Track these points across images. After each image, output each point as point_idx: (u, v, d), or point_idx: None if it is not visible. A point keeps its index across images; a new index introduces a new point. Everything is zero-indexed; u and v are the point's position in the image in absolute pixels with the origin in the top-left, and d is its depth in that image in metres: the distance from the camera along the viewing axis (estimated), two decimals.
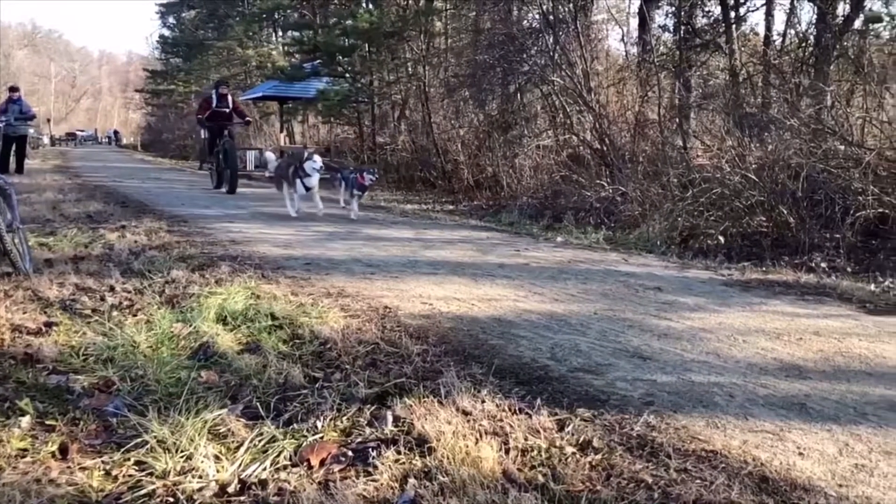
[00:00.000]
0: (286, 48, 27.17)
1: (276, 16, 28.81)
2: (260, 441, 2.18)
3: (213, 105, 12.46)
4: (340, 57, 16.56)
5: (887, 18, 6.72)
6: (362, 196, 8.74)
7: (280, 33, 31.59)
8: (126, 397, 2.51)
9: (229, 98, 12.66)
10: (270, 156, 8.87)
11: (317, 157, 8.19)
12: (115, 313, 3.56)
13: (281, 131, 22.75)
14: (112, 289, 4.15)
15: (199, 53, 34.10)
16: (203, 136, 24.85)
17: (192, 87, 35.65)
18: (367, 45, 16.19)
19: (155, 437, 2.13)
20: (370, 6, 17.72)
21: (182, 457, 2.05)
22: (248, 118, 13.33)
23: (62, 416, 2.33)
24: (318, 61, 17.60)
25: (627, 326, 3.64)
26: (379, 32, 15.09)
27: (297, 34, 24.42)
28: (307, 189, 8.18)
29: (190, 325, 3.33)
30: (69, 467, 2.01)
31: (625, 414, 2.43)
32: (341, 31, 16.88)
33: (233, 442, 2.20)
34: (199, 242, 6.08)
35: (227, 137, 12.16)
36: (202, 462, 2.02)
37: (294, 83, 18.71)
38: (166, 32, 41.22)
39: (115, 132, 60.65)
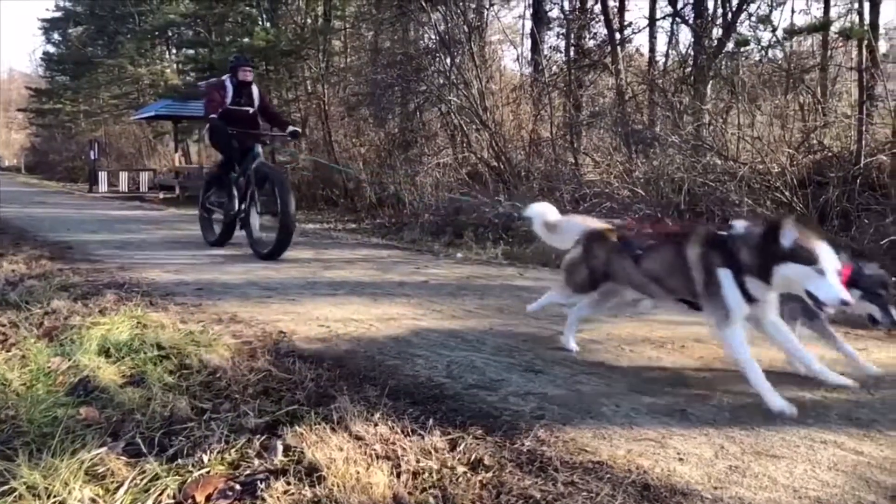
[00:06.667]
0: (180, 66, 26.43)
1: (170, 33, 27.98)
2: (142, 480, 2.08)
3: (228, 100, 7.34)
4: None
5: (754, 42, 7.26)
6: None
7: (174, 51, 30.67)
8: None
9: (255, 90, 7.57)
10: (543, 211, 3.71)
11: (829, 257, 2.60)
12: None
13: (176, 151, 22.02)
14: None
15: (87, 71, 32.72)
16: (93, 157, 23.85)
17: (80, 107, 34.13)
18: (264, 64, 15.99)
19: (24, 482, 2.00)
20: (267, 24, 17.53)
21: (54, 503, 1.94)
22: (294, 127, 7.79)
23: None
24: (214, 80, 17.21)
25: (521, 340, 3.72)
26: (276, 51, 14.95)
27: (191, 52, 23.85)
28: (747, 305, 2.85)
29: (69, 359, 3.15)
30: None
31: (516, 429, 2.47)
32: (237, 49, 16.60)
33: (112, 482, 2.08)
34: (84, 270, 5.79)
35: (260, 160, 7.18)
36: None
37: (189, 102, 18.24)
38: (51, 49, 39.33)
39: None
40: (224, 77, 7.56)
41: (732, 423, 2.56)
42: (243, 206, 7.19)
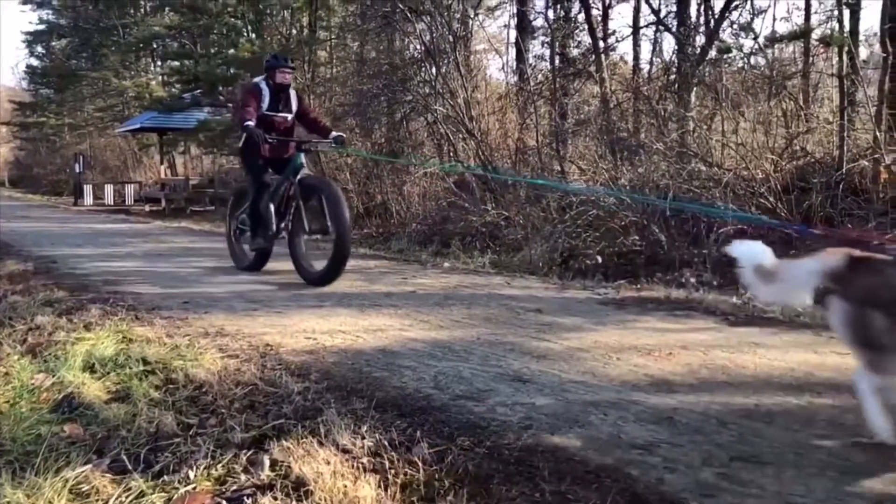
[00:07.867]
0: (165, 78, 26.36)
1: (155, 45, 27.89)
2: (127, 497, 2.06)
3: (265, 104, 6.31)
4: (222, 87, 16.26)
5: (737, 50, 7.36)
6: None
7: (159, 63, 30.59)
8: None
9: (293, 94, 6.59)
10: (756, 253, 2.83)
11: None
12: None
13: (161, 163, 21.95)
14: None
15: (71, 84, 32.56)
16: (78, 170, 23.64)
17: (65, 120, 33.95)
18: (249, 75, 15.96)
19: (8, 502, 1.98)
20: (252, 35, 17.51)
21: None
22: (337, 133, 6.64)
23: None
24: (199, 91, 17.21)
25: (509, 350, 3.72)
26: (261, 62, 14.91)
27: (176, 64, 23.80)
28: None
29: (53, 375, 3.12)
30: None
31: (504, 439, 2.47)
32: (223, 61, 16.60)
33: (97, 500, 2.06)
34: (69, 284, 5.74)
35: (305, 171, 6.21)
36: None
37: (174, 114, 18.22)
38: (35, 62, 39.02)
39: None
40: (258, 79, 6.52)
41: (720, 430, 2.57)
42: (283, 225, 6.30)
